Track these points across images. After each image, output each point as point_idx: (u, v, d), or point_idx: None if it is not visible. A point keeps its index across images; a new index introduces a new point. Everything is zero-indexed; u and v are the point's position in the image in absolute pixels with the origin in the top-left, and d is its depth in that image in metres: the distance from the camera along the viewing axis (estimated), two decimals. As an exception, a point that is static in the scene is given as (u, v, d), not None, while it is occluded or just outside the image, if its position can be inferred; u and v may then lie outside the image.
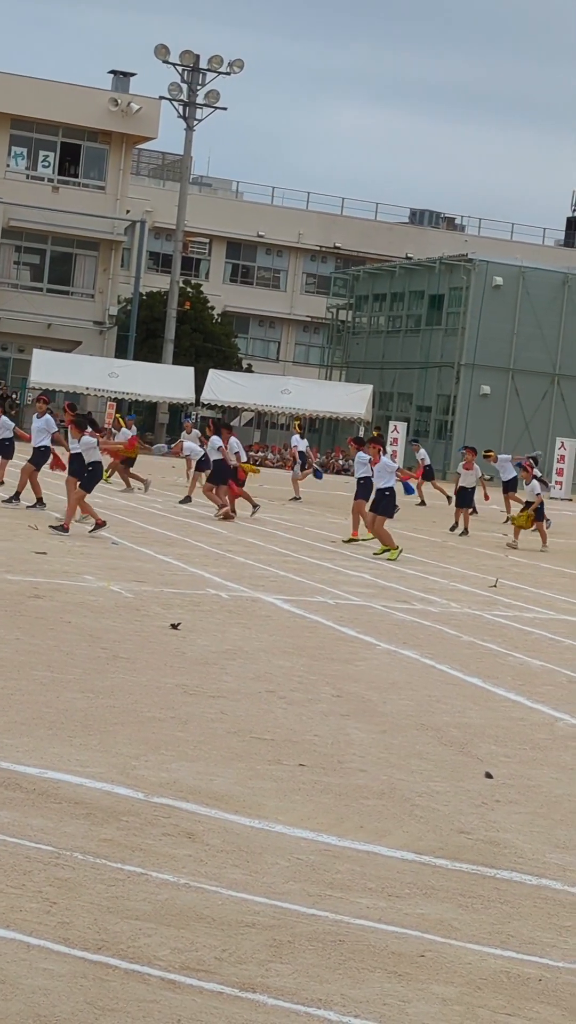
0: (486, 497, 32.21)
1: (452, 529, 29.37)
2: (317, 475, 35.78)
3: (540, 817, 8.58)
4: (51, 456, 24.04)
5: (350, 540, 24.22)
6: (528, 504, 27.50)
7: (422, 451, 39.06)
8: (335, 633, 14.68)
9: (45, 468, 24.63)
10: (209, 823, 7.71)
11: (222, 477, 26.61)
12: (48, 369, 52.43)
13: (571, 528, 35.24)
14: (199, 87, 57.39)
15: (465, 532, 28.98)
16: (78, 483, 21.38)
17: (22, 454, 26.12)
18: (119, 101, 58.80)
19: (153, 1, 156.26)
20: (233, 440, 27.91)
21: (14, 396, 54.54)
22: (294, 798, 8.40)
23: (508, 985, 5.99)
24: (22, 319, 59.23)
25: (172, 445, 40.91)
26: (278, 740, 9.75)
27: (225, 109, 57.88)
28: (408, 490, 34.64)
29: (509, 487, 32.72)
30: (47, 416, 24.69)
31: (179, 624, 13.94)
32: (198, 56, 57.24)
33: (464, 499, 29.29)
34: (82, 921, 6.15)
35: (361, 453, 24.70)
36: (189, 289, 62.33)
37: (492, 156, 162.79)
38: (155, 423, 57.27)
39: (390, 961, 6.09)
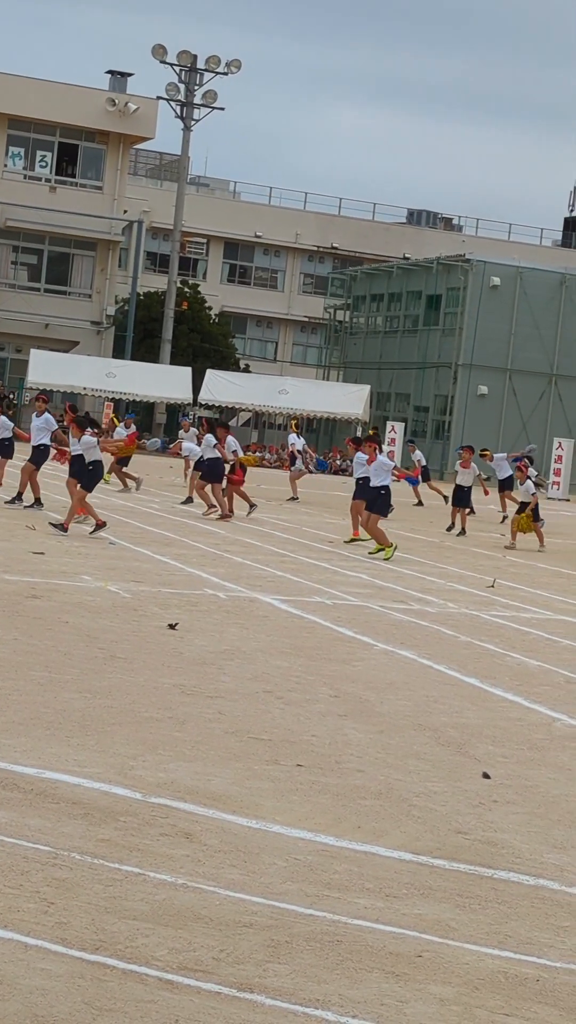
0: (486, 492, 32.23)
1: (449, 529, 29.35)
2: (320, 465, 35.81)
3: (537, 817, 8.58)
4: (51, 454, 24.13)
5: (351, 540, 24.21)
6: (524, 505, 27.50)
7: (418, 452, 39.08)
8: (333, 633, 14.68)
9: (45, 467, 24.67)
10: (207, 823, 7.71)
11: (215, 475, 26.63)
12: (45, 369, 52.44)
13: (569, 528, 35.24)
14: (196, 87, 57.41)
15: (463, 532, 28.97)
16: (79, 484, 21.41)
17: (22, 454, 26.11)
18: (116, 101, 58.81)
19: (151, 1, 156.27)
20: (230, 439, 27.91)
21: (11, 396, 54.55)
22: (292, 798, 8.40)
23: (506, 985, 5.99)
24: (19, 319, 59.23)
25: (171, 445, 40.93)
26: (276, 740, 9.75)
27: (222, 109, 57.95)
28: (413, 482, 34.88)
29: (505, 486, 32.71)
30: (46, 415, 24.72)
31: (177, 624, 13.94)
32: (195, 56, 57.27)
33: (461, 498, 29.28)
34: (80, 921, 6.15)
35: (360, 453, 24.69)
36: (186, 289, 62.34)
37: (490, 156, 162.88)
38: (152, 423, 57.28)
39: (388, 961, 6.09)
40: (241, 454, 28.54)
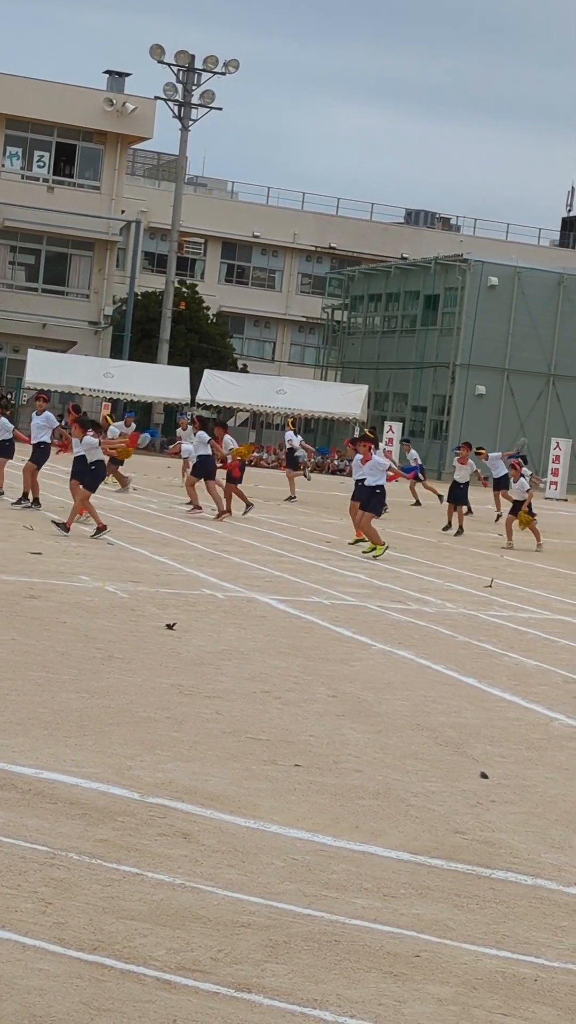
0: (484, 484, 32.29)
1: (445, 529, 29.33)
2: (321, 451, 35.84)
3: (535, 817, 8.59)
4: (51, 453, 24.25)
5: (355, 542, 24.16)
6: (518, 504, 27.53)
7: (413, 451, 39.08)
8: (330, 633, 14.68)
9: (46, 467, 24.71)
10: (205, 823, 7.72)
11: (207, 472, 26.66)
12: (43, 369, 52.42)
13: (566, 528, 35.25)
14: (194, 87, 57.39)
15: (460, 531, 28.96)
16: (81, 484, 21.45)
17: (22, 454, 26.12)
18: (114, 101, 58.81)
19: (148, 2, 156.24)
20: (228, 438, 27.93)
21: (9, 396, 54.54)
22: (289, 798, 8.40)
23: (503, 985, 5.99)
24: (17, 319, 59.23)
25: (171, 446, 40.90)
26: (273, 740, 9.75)
27: (220, 109, 57.92)
28: (410, 470, 35.10)
29: (500, 485, 32.74)
30: (47, 413, 24.80)
31: (174, 624, 13.94)
32: (193, 56, 57.25)
33: (457, 495, 29.27)
34: (78, 921, 6.15)
35: (359, 454, 24.68)
36: (184, 289, 62.33)
37: (488, 156, 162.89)
38: (150, 423, 57.26)
39: (386, 961, 6.09)
40: (233, 445, 28.41)
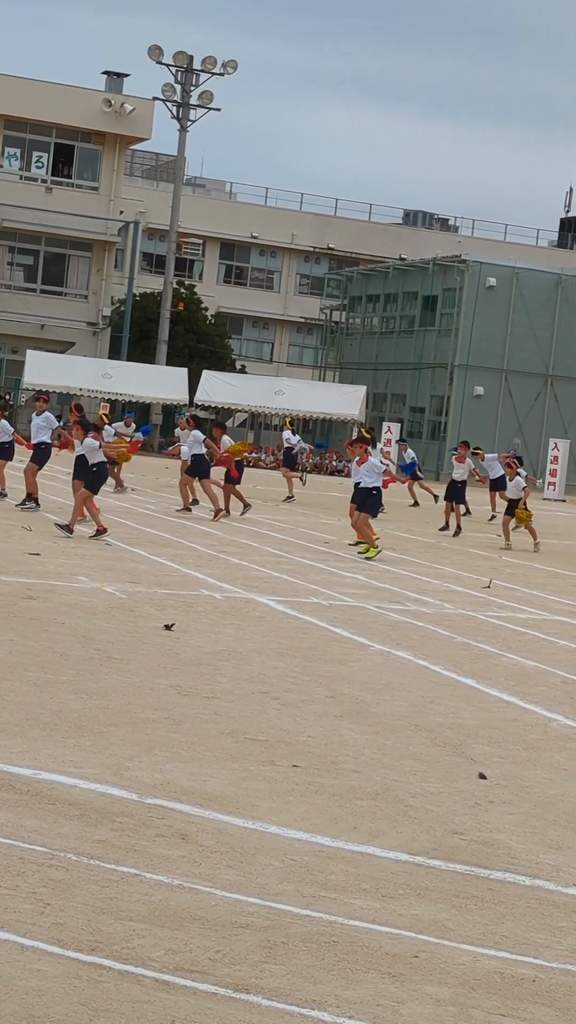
0: (483, 481, 32.37)
1: (442, 530, 29.31)
2: (318, 447, 35.82)
3: (533, 818, 8.59)
4: (52, 453, 24.29)
5: (356, 543, 24.12)
6: (514, 502, 27.56)
7: (410, 451, 39.09)
8: (329, 634, 14.68)
9: (47, 468, 24.73)
10: (203, 824, 7.72)
11: (201, 471, 26.68)
12: (42, 370, 52.40)
13: (564, 529, 35.26)
14: (193, 88, 57.38)
15: (459, 531, 28.96)
16: (83, 485, 21.46)
17: (22, 455, 26.12)
18: (112, 102, 58.80)
19: (147, 2, 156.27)
20: (226, 439, 27.93)
21: (8, 397, 54.51)
22: (288, 799, 8.40)
23: (502, 986, 5.99)
24: (16, 320, 59.22)
25: (171, 447, 40.92)
26: (272, 741, 9.75)
27: (219, 110, 57.97)
28: (408, 469, 35.17)
29: (497, 486, 32.77)
30: (47, 414, 24.83)
31: (173, 625, 13.94)
32: (192, 57, 57.24)
33: (454, 493, 29.26)
34: (76, 922, 6.15)
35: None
36: (183, 290, 62.32)
37: (486, 157, 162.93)
38: (148, 424, 57.24)
39: (384, 962, 6.09)
40: (229, 443, 28.35)
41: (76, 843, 7.16)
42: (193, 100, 57.40)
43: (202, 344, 61.25)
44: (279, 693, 11.39)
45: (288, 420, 41.89)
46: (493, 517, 32.89)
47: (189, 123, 57.69)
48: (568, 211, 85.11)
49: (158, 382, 54.22)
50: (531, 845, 8.01)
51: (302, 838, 7.67)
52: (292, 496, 33.81)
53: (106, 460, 21.95)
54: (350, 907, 6.71)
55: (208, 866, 7.06)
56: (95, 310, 60.60)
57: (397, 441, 46.90)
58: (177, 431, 35.85)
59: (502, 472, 32.04)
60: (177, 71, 57.32)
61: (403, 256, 70.82)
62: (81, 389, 52.91)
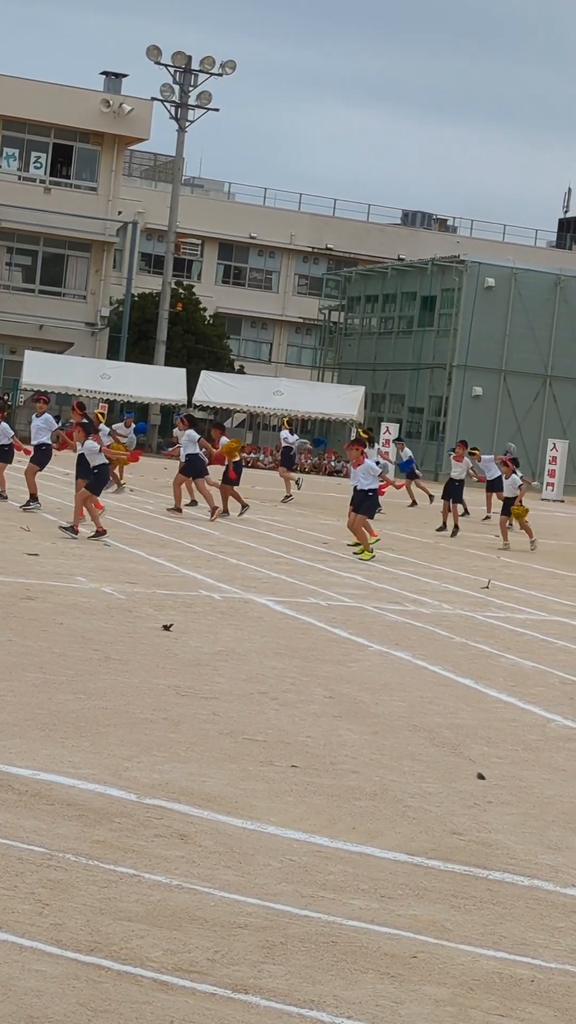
0: (480, 480, 32.42)
1: (439, 530, 29.30)
2: (317, 443, 35.75)
3: (532, 818, 8.59)
4: (52, 455, 24.35)
5: (356, 544, 24.09)
6: (510, 500, 27.59)
7: (407, 449, 39.10)
8: (327, 634, 14.68)
9: (48, 465, 24.78)
10: (201, 824, 7.72)
11: (195, 470, 26.69)
12: (40, 370, 52.41)
13: (563, 529, 35.27)
14: (191, 88, 57.39)
15: (456, 530, 28.95)
16: (85, 486, 21.47)
17: (21, 458, 26.11)
18: (111, 102, 58.80)
19: (145, 3, 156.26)
20: (223, 439, 27.91)
21: (6, 397, 54.51)
22: (286, 799, 8.40)
23: (500, 986, 5.99)
24: (14, 320, 59.21)
25: (171, 448, 40.87)
26: (270, 741, 9.75)
27: (217, 110, 58.00)
28: (406, 468, 35.23)
29: (494, 487, 32.80)
30: (46, 415, 24.85)
31: (171, 625, 13.94)
32: (190, 57, 57.24)
33: (452, 492, 29.26)
34: (74, 923, 6.15)
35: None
36: (181, 290, 62.33)
37: (484, 158, 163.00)
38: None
39: (383, 962, 6.09)
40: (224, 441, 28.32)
41: (75, 843, 7.16)
42: (191, 100, 57.41)
43: (200, 344, 61.25)
44: (278, 693, 11.39)
45: (286, 420, 41.88)
46: (487, 517, 32.98)
47: (187, 123, 57.70)
48: (566, 211, 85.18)
49: (156, 382, 54.23)
50: (530, 845, 8.01)
51: (301, 838, 7.67)
52: (290, 496, 33.80)
53: (106, 463, 21.95)
54: (349, 907, 6.71)
55: (207, 866, 7.06)
56: (93, 310, 60.59)
57: (394, 440, 46.94)
58: (176, 432, 35.80)
59: (499, 474, 32.07)
60: (175, 71, 57.32)
61: (401, 256, 70.82)
62: (79, 389, 52.92)
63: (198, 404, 53.91)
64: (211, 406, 54.75)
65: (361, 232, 75.67)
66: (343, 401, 55.26)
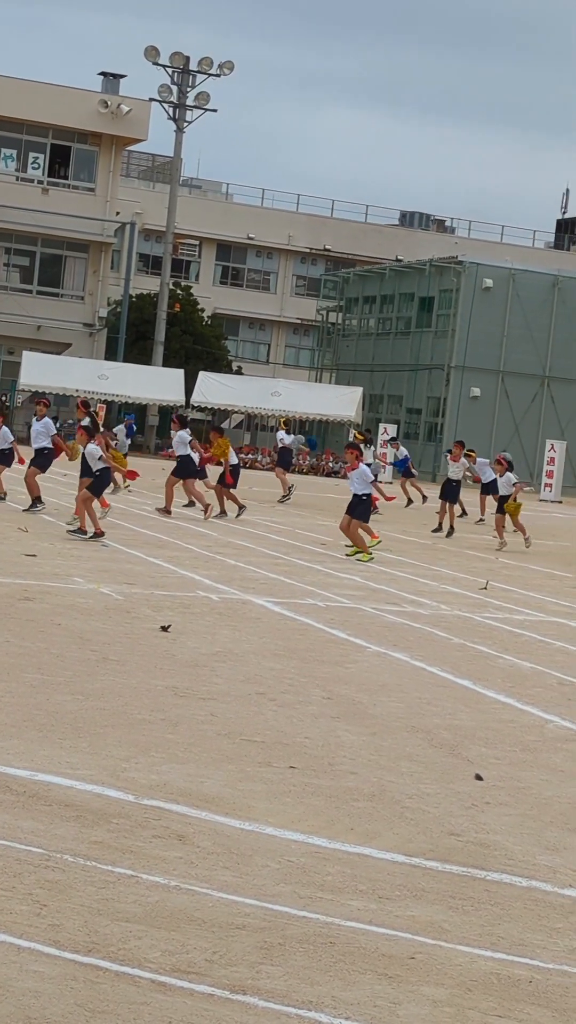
0: (476, 480, 32.48)
1: (435, 531, 29.28)
2: (309, 444, 35.76)
3: (530, 819, 8.59)
4: (53, 459, 24.42)
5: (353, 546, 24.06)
6: (504, 498, 27.61)
7: (402, 448, 39.09)
8: (325, 635, 14.68)
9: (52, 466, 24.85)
10: (199, 825, 7.71)
11: (187, 471, 26.71)
12: (38, 371, 52.41)
13: (561, 530, 35.28)
14: (189, 89, 57.41)
15: (451, 531, 28.95)
16: (87, 486, 21.48)
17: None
18: (109, 103, 58.80)
19: (144, 3, 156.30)
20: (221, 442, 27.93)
21: (4, 398, 54.51)
22: (284, 800, 8.40)
23: (498, 987, 5.99)
24: (12, 321, 59.20)
25: (170, 449, 40.86)
26: (268, 742, 9.75)
27: (215, 111, 57.96)
28: (401, 466, 35.28)
29: (489, 490, 32.82)
30: (46, 419, 24.85)
31: (169, 626, 13.94)
32: (188, 58, 57.27)
33: (448, 492, 29.26)
34: (72, 923, 6.14)
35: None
36: (179, 291, 62.33)
37: (482, 159, 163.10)
38: (145, 425, 57.26)
39: (381, 963, 6.09)
40: (234, 459, 28.40)
41: (73, 844, 7.16)
42: (189, 101, 57.44)
43: (198, 345, 61.26)
44: (276, 694, 11.39)
45: (283, 420, 41.88)
46: (481, 520, 33.03)
47: (185, 124, 57.71)
48: (564, 212, 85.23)
49: (154, 383, 54.24)
50: (528, 846, 8.01)
51: (299, 839, 7.67)
52: (288, 495, 33.80)
53: (108, 466, 21.95)
54: (347, 908, 6.71)
55: (205, 867, 7.06)
56: (91, 311, 60.59)
57: (389, 441, 46.94)
58: (173, 432, 35.77)
59: (494, 477, 32.11)
60: (173, 72, 57.34)
61: (399, 257, 70.84)
62: (77, 390, 52.91)
63: (196, 405, 53.93)
64: (209, 407, 54.74)
65: (359, 233, 75.70)
66: (341, 402, 55.27)
